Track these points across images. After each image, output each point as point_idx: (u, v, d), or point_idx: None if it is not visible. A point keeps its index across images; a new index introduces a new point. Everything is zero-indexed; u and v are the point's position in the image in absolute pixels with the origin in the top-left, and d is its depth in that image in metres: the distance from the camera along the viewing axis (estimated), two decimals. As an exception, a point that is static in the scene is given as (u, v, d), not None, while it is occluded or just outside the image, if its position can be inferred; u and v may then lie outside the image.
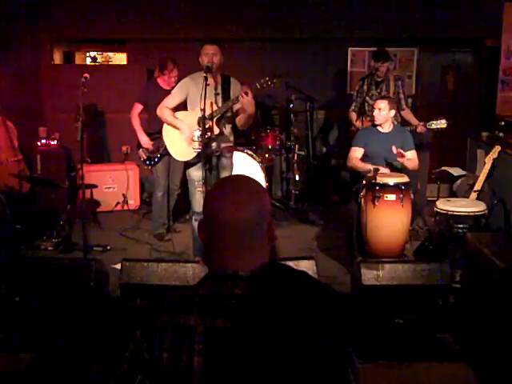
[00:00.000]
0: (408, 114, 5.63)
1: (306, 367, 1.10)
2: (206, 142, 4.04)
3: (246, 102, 4.00)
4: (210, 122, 4.10)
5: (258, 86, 4.07)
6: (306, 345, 1.10)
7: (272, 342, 1.09)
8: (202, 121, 3.99)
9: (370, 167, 4.49)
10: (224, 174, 4.38)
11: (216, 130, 4.18)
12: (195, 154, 4.17)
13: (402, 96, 5.65)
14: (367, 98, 5.70)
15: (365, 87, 5.76)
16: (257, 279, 1.17)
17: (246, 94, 3.95)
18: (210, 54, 4.11)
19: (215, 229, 1.25)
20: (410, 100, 5.80)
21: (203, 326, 1.17)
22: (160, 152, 5.27)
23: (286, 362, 1.09)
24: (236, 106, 4.24)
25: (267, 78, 4.06)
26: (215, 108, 4.14)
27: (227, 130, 4.37)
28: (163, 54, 6.77)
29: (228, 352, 1.14)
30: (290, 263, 3.38)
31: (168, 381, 1.18)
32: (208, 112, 4.03)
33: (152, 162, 5.38)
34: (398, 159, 4.61)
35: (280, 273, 1.18)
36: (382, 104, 4.75)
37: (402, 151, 4.56)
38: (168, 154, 5.10)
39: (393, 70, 5.89)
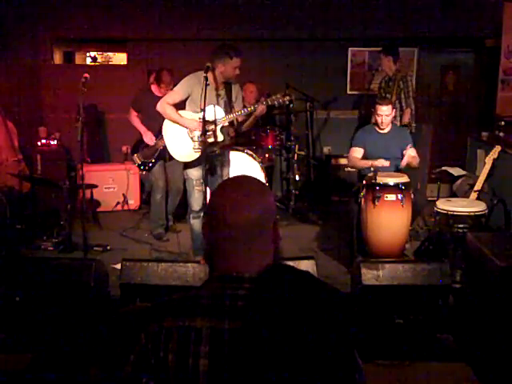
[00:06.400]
0: (405, 115, 5.69)
1: (313, 369, 1.10)
2: (206, 143, 4.03)
3: (261, 112, 4.23)
4: (214, 127, 4.10)
5: (270, 103, 4.23)
6: (313, 347, 1.09)
7: (279, 343, 1.09)
8: (202, 121, 3.98)
9: (371, 163, 4.54)
10: (222, 172, 4.40)
11: (220, 137, 4.17)
12: (198, 155, 4.15)
13: (402, 96, 5.72)
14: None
15: (382, 84, 5.99)
16: (262, 280, 1.16)
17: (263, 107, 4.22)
18: (236, 68, 4.10)
19: (219, 230, 1.24)
20: (411, 100, 5.81)
21: (209, 328, 1.17)
22: (155, 157, 5.29)
23: (294, 365, 1.09)
24: (240, 118, 4.33)
25: (278, 96, 4.23)
26: (222, 116, 4.15)
27: (229, 134, 4.40)
28: (163, 54, 6.81)
29: (234, 354, 1.14)
30: (290, 263, 3.37)
31: (174, 383, 1.18)
32: (214, 116, 4.03)
33: (146, 168, 5.42)
34: (404, 163, 4.64)
35: (285, 274, 1.18)
36: (385, 108, 4.70)
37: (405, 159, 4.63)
38: (163, 157, 5.11)
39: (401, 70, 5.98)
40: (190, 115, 4.23)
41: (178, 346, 1.17)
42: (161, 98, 4.86)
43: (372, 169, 4.44)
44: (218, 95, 4.17)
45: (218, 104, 4.15)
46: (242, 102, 4.43)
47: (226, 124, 4.22)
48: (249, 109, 4.26)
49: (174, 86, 4.48)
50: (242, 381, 1.11)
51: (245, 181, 1.33)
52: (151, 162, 5.38)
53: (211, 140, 4.11)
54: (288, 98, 4.25)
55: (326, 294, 1.16)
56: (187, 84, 4.20)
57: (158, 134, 5.02)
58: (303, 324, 1.10)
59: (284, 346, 1.08)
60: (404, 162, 4.60)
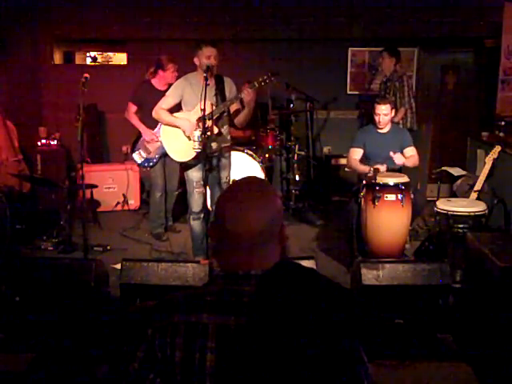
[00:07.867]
0: (398, 114, 5.73)
1: (318, 365, 1.10)
2: (205, 142, 4.04)
3: (247, 96, 4.11)
4: (209, 122, 4.11)
5: (257, 85, 4.17)
6: (318, 343, 1.10)
7: (284, 340, 1.09)
8: (202, 121, 3.99)
9: (368, 168, 4.52)
10: (223, 174, 4.41)
11: (215, 130, 4.19)
12: (195, 154, 4.17)
13: (398, 95, 5.81)
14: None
15: (381, 85, 6.09)
16: (268, 277, 1.17)
17: (248, 91, 4.09)
18: (209, 57, 4.11)
19: (227, 233, 1.25)
20: (406, 100, 5.83)
21: (216, 324, 1.18)
22: (158, 152, 5.27)
23: (299, 361, 1.09)
24: (233, 107, 4.29)
25: (265, 77, 4.20)
26: (214, 107, 4.16)
27: (225, 129, 4.39)
28: (163, 54, 6.80)
29: (241, 350, 1.14)
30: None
31: (181, 379, 1.18)
32: (207, 112, 4.04)
33: (151, 164, 5.38)
34: (397, 163, 4.64)
35: (290, 271, 1.18)
36: (384, 107, 4.70)
37: (399, 155, 4.61)
38: (164, 155, 5.12)
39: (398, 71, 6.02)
40: (183, 115, 4.28)
41: (184, 342, 1.18)
42: (161, 91, 4.88)
43: (372, 168, 4.44)
44: (215, 94, 4.19)
45: (212, 100, 4.15)
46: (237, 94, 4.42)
47: (218, 114, 4.21)
48: (241, 95, 4.21)
49: (177, 78, 4.54)
50: (249, 376, 1.11)
51: (252, 185, 1.32)
52: (155, 157, 5.34)
53: (208, 133, 4.13)
54: (274, 76, 4.24)
55: (331, 290, 1.17)
56: (179, 87, 4.30)
57: (157, 130, 5.03)
58: (308, 320, 1.10)
59: (289, 343, 1.09)
60: (399, 160, 4.61)
